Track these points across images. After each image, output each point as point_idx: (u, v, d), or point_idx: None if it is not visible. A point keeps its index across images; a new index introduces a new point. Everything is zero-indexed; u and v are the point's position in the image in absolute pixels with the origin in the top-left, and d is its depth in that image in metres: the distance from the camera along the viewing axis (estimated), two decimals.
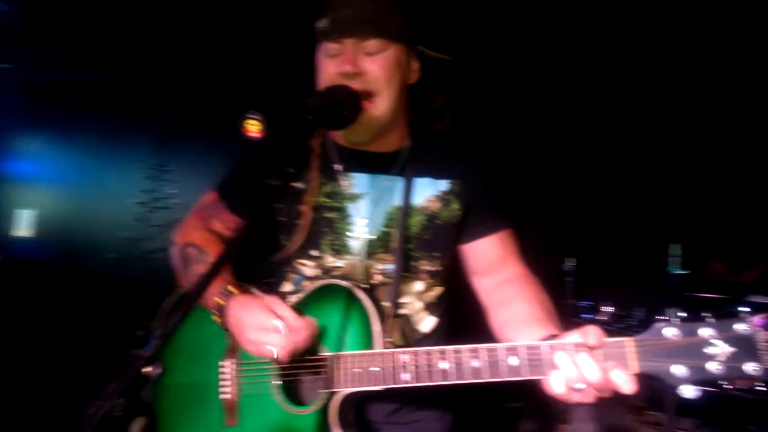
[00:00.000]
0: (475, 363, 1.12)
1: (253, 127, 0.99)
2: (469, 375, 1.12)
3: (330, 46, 1.31)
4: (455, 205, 1.45)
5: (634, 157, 4.99)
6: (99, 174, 7.00)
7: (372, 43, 1.29)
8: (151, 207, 6.04)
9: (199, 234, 1.50)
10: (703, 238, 3.62)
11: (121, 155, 6.99)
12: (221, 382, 1.39)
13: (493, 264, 1.48)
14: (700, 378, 0.98)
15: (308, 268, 1.45)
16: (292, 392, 1.34)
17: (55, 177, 7.26)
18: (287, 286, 1.49)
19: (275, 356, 1.20)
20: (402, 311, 1.42)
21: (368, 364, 1.22)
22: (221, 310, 1.30)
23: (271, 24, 4.24)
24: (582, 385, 1.02)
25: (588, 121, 5.08)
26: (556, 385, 1.05)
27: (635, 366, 1.01)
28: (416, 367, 1.16)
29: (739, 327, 0.97)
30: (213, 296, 1.33)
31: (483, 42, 4.61)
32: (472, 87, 4.65)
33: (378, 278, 1.42)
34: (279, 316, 1.23)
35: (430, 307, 1.48)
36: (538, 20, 4.53)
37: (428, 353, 1.16)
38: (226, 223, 1.52)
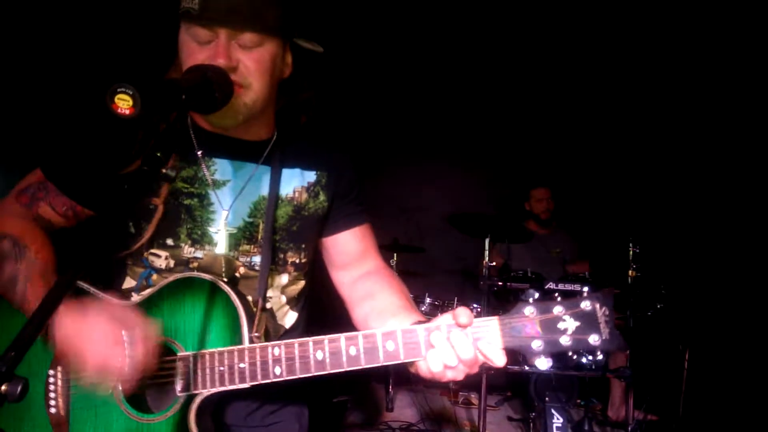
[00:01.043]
0: (353, 350, 1.11)
1: (124, 103, 0.82)
2: (345, 363, 1.11)
3: (199, 32, 1.18)
4: (322, 197, 1.43)
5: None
6: None
7: (247, 37, 1.18)
8: None
9: (16, 223, 1.26)
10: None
11: None
12: (49, 395, 1.22)
13: (354, 257, 1.49)
14: (555, 350, 1.07)
15: (160, 259, 1.31)
16: (139, 399, 1.21)
17: None
18: (129, 282, 1.34)
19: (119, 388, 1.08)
20: (266, 305, 1.37)
21: (234, 362, 1.14)
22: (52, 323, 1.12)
23: None
24: (455, 362, 1.07)
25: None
26: (434, 364, 1.08)
27: (500, 342, 1.08)
28: (288, 359, 1.12)
29: (584, 304, 1.07)
30: (37, 298, 1.14)
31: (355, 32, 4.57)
32: (341, 79, 4.62)
33: (242, 271, 1.34)
34: (125, 325, 1.09)
35: (291, 302, 1.45)
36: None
37: (302, 344, 1.12)
38: (56, 206, 1.29)
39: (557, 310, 1.08)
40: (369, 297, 1.40)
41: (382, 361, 1.10)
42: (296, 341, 1.12)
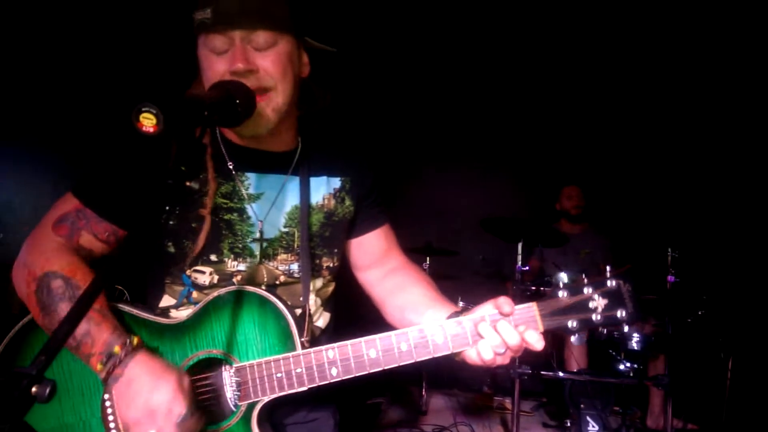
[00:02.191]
0: (404, 346, 1.17)
1: (148, 122, 0.86)
2: (398, 358, 1.17)
3: (215, 41, 1.19)
4: (348, 202, 1.47)
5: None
6: None
7: (261, 37, 1.19)
8: None
9: (61, 258, 1.20)
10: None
11: None
12: (107, 417, 1.22)
13: (380, 256, 1.54)
14: (589, 327, 1.19)
15: (204, 275, 1.33)
16: (205, 411, 1.23)
17: None
18: (168, 300, 1.35)
19: None
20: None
21: (291, 367, 1.20)
22: (115, 362, 1.13)
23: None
24: (503, 349, 1.15)
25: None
26: (485, 352, 1.15)
27: (541, 326, 1.18)
28: (343, 360, 1.18)
29: (610, 283, 1.19)
30: (104, 338, 1.15)
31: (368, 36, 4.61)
32: (378, 84, 4.67)
33: (282, 279, 1.38)
34: (170, 414, 1.11)
35: (325, 304, 1.49)
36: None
37: (354, 344, 1.18)
38: (99, 233, 1.26)
39: (587, 291, 1.19)
40: (401, 290, 1.46)
41: (432, 353, 1.17)
42: (348, 342, 1.18)
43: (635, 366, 3.64)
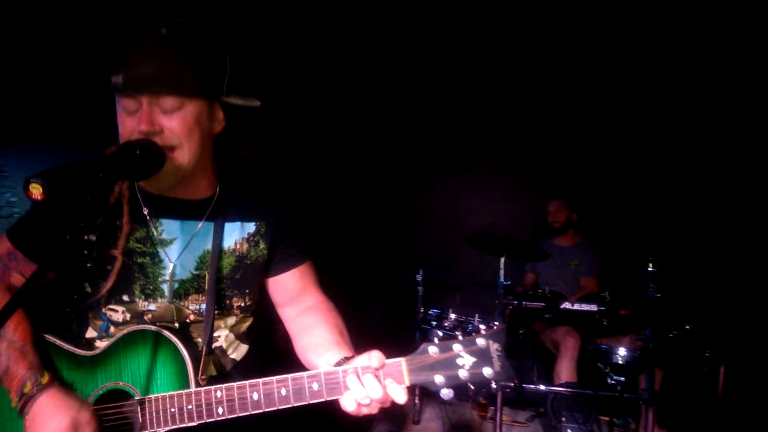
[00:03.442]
0: (283, 391, 1.24)
1: (36, 191, 1.00)
2: (278, 402, 1.24)
3: (126, 102, 1.30)
4: (262, 245, 1.55)
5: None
6: None
7: (167, 101, 1.29)
8: None
9: None
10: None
11: None
12: None
13: (295, 294, 1.62)
14: (455, 383, 1.21)
15: (117, 313, 1.45)
16: None
17: None
18: (91, 332, 1.48)
19: None
20: (216, 344, 1.52)
21: (183, 404, 1.29)
22: (26, 399, 1.27)
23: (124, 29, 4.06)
24: (367, 401, 1.20)
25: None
26: (348, 403, 1.21)
27: (407, 380, 1.22)
28: (228, 400, 1.26)
29: (479, 341, 1.22)
30: (20, 376, 1.28)
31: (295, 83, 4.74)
32: (282, 130, 4.80)
33: (191, 317, 1.49)
34: None
35: (241, 337, 1.59)
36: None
37: (240, 387, 1.26)
38: (26, 274, 1.41)
39: (456, 348, 1.22)
40: (307, 331, 1.53)
41: (309, 399, 1.23)
42: (236, 384, 1.26)
43: (622, 379, 3.65)
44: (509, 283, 3.63)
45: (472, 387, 1.21)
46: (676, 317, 3.58)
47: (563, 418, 3.48)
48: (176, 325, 1.45)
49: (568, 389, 3.50)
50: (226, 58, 1.41)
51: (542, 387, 3.54)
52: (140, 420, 1.31)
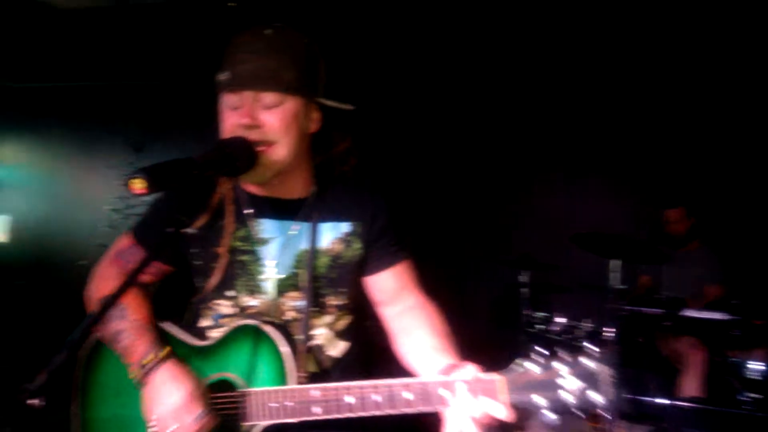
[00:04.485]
0: (376, 397, 1.23)
1: (137, 186, 1.08)
2: (372, 407, 1.23)
3: (230, 98, 1.39)
4: (357, 245, 1.56)
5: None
6: (74, 180, 7.02)
7: (269, 97, 1.36)
8: (125, 214, 6.08)
9: (116, 285, 1.44)
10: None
11: (96, 161, 7.00)
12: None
13: (393, 294, 1.60)
14: (556, 407, 1.11)
15: (225, 307, 1.54)
16: (217, 429, 1.41)
17: (30, 183, 7.26)
18: (205, 322, 1.57)
19: None
20: (314, 342, 1.54)
21: (282, 400, 1.32)
22: (147, 370, 1.37)
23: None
24: (466, 419, 1.16)
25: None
26: (449, 418, 1.19)
27: (505, 398, 1.15)
28: (325, 402, 1.27)
29: (585, 363, 1.11)
30: (141, 349, 1.40)
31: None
32: (377, 130, 4.79)
33: (290, 314, 1.52)
34: (189, 412, 1.32)
35: (340, 334, 1.59)
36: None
37: (336, 388, 1.27)
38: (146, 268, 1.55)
39: (559, 368, 1.12)
40: (407, 333, 1.53)
41: (401, 408, 1.22)
42: (332, 385, 1.28)
43: (756, 396, 3.29)
44: (624, 287, 3.38)
45: (577, 412, 1.11)
46: None
47: None
48: (276, 322, 1.48)
49: (693, 404, 3.20)
50: (321, 61, 1.48)
51: (664, 401, 3.26)
52: (245, 411, 1.36)
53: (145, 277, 1.56)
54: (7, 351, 6.04)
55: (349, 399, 1.25)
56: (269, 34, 1.39)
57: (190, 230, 1.14)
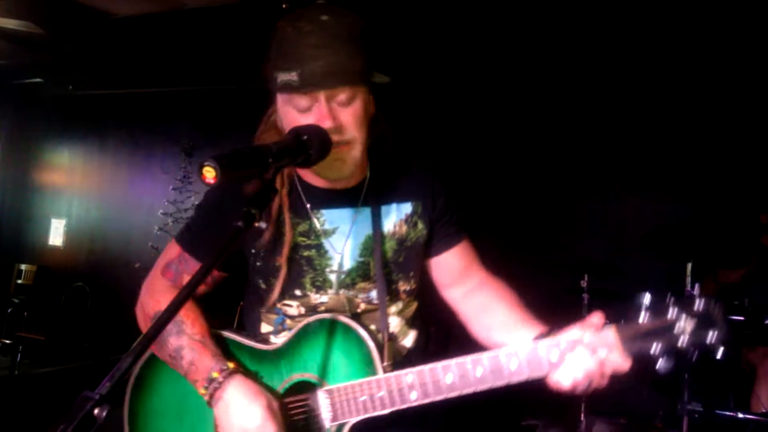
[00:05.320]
0: (479, 371, 1.18)
1: (210, 174, 0.99)
2: (474, 383, 1.19)
3: (300, 101, 1.26)
4: (420, 225, 1.48)
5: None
6: (128, 185, 7.19)
7: (344, 94, 1.26)
8: (176, 217, 6.18)
9: (168, 299, 1.31)
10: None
11: (151, 166, 7.15)
12: None
13: (459, 274, 1.53)
14: (674, 352, 1.11)
15: (292, 308, 1.44)
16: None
17: (85, 187, 7.49)
18: (266, 327, 1.49)
19: None
20: (389, 331, 1.46)
21: (373, 391, 1.26)
22: (216, 386, 1.28)
23: None
24: (580, 376, 1.14)
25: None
26: (564, 379, 1.15)
27: (620, 349, 1.15)
28: (421, 384, 1.22)
29: (698, 304, 1.12)
30: (206, 365, 1.31)
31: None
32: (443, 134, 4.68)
33: (362, 306, 1.44)
34: (270, 427, 1.25)
35: (409, 323, 1.52)
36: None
37: (431, 369, 1.21)
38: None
39: (672, 312, 1.12)
40: (485, 310, 1.46)
41: (508, 379, 1.18)
42: (427, 367, 1.21)
43: None
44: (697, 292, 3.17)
45: (694, 355, 1.11)
46: None
47: None
48: (348, 315, 1.40)
49: (765, 418, 2.97)
50: (376, 41, 1.36)
51: (739, 414, 3.04)
52: (330, 410, 1.29)
53: (200, 288, 1.44)
54: (64, 351, 6.21)
55: (449, 377, 1.19)
56: (328, 20, 1.25)
57: (262, 224, 1.05)
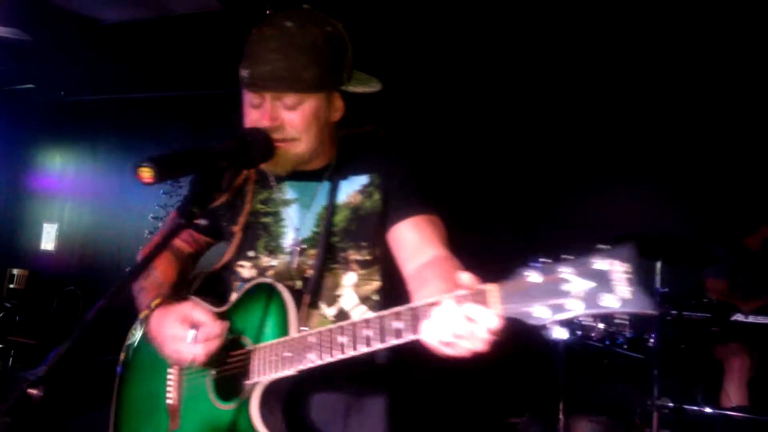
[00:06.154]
0: (368, 332, 1.15)
1: (146, 174, 1.07)
2: (363, 344, 1.15)
3: (251, 97, 1.39)
4: (376, 196, 1.51)
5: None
6: (119, 189, 7.25)
7: (289, 99, 1.36)
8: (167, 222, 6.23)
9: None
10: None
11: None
12: (168, 389, 1.50)
13: (414, 248, 1.46)
14: (562, 316, 0.93)
15: (246, 269, 1.55)
16: (225, 389, 1.41)
17: (77, 192, 7.53)
18: (234, 295, 1.56)
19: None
20: (337, 305, 1.49)
21: (282, 351, 1.29)
22: (145, 325, 1.45)
23: None
24: (447, 337, 1.03)
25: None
26: (427, 336, 1.06)
27: (499, 309, 0.99)
28: (318, 344, 1.22)
29: (597, 261, 0.91)
30: (152, 296, 1.48)
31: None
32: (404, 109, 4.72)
33: (309, 272, 1.49)
34: (194, 323, 1.34)
35: (367, 302, 1.51)
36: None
37: (330, 330, 1.21)
38: (185, 239, 1.67)
39: (563, 270, 0.93)
40: (423, 285, 1.34)
41: (394, 338, 1.11)
42: (327, 328, 1.21)
43: None
44: (666, 290, 3.25)
45: (585, 323, 0.96)
46: None
47: None
48: (299, 282, 1.47)
49: (739, 413, 3.04)
50: (348, 47, 1.44)
51: (708, 410, 3.12)
52: (249, 368, 1.35)
53: (183, 246, 1.66)
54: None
55: (342, 339, 1.18)
56: (290, 27, 1.35)
57: (203, 221, 1.16)
